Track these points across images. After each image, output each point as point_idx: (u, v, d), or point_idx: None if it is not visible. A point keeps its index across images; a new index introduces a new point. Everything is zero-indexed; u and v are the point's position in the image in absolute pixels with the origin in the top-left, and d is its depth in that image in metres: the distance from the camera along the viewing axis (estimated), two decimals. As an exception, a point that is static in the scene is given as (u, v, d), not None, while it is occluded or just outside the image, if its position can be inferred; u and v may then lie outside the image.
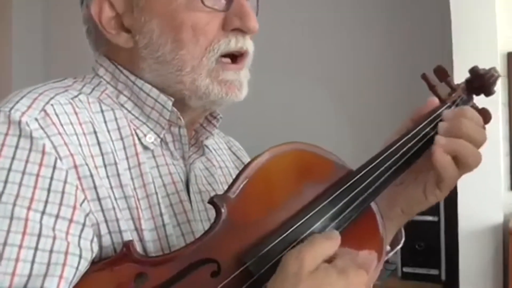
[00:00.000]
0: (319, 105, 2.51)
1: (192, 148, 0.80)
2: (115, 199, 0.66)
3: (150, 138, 0.73)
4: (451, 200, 1.85)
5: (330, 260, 0.62)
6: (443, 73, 0.77)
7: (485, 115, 0.78)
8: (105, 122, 0.71)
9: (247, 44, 0.75)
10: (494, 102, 1.82)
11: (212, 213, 0.70)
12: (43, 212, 0.60)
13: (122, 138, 0.71)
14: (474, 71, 0.80)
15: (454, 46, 1.85)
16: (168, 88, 0.74)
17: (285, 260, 0.60)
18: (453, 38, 1.86)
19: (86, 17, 0.77)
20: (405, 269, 2.03)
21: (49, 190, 0.61)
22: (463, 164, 0.75)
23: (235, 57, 0.74)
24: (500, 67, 1.87)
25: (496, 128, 1.83)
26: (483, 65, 0.82)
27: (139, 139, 0.72)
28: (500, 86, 1.85)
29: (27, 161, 0.61)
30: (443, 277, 2.01)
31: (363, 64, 2.45)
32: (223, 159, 0.89)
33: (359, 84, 2.46)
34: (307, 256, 0.60)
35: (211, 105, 0.76)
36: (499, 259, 1.85)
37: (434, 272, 2.02)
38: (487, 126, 0.80)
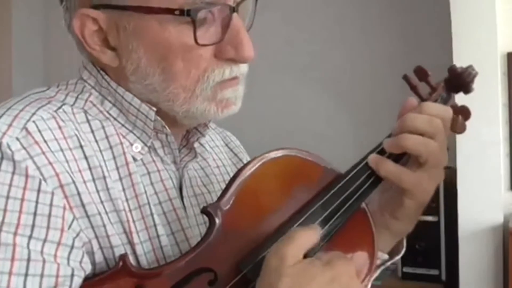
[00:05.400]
0: (322, 105, 2.51)
1: (184, 150, 0.78)
2: (106, 213, 0.65)
3: (137, 148, 0.71)
4: (451, 200, 1.85)
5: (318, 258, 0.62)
6: (423, 73, 0.78)
7: (464, 112, 0.79)
8: (92, 131, 0.69)
9: (241, 71, 0.71)
10: (494, 103, 1.82)
11: None
12: (30, 237, 0.59)
13: (111, 147, 0.69)
14: (452, 70, 0.82)
15: (454, 46, 1.85)
16: (158, 109, 0.71)
17: (267, 257, 0.60)
18: (453, 38, 1.86)
19: (67, 18, 0.73)
20: (405, 269, 2.03)
21: (35, 214, 0.59)
22: (418, 158, 0.72)
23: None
24: (500, 67, 1.87)
25: (496, 129, 1.83)
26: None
27: (126, 148, 0.70)
28: (500, 87, 1.85)
29: (10, 185, 0.59)
30: (443, 277, 2.01)
31: (363, 64, 2.45)
32: (219, 157, 0.87)
33: (360, 84, 2.46)
34: (286, 250, 0.60)
35: (205, 121, 0.75)
36: (499, 259, 1.85)
37: (434, 272, 2.02)
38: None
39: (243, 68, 0.72)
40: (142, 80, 0.69)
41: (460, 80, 0.81)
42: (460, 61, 1.81)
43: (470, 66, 0.81)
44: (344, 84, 2.48)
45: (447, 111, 0.75)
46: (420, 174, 0.72)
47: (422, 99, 0.78)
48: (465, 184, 1.77)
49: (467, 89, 0.82)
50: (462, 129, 0.78)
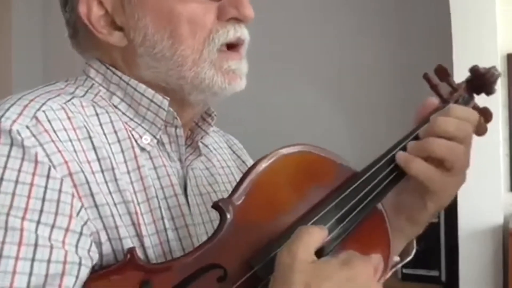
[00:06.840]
0: (322, 105, 2.51)
1: (189, 149, 0.79)
2: (114, 204, 0.65)
3: (146, 139, 0.71)
4: (451, 201, 1.84)
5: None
6: (444, 73, 0.77)
7: (486, 114, 0.77)
8: (101, 125, 0.69)
9: (244, 33, 0.73)
10: (494, 103, 1.82)
11: (214, 214, 0.69)
12: (38, 222, 0.58)
13: (119, 141, 0.69)
14: (474, 70, 0.80)
15: (454, 46, 1.85)
16: (166, 85, 0.72)
17: (279, 254, 0.60)
18: (453, 38, 1.86)
19: (72, 20, 0.75)
20: (405, 270, 2.03)
21: (43, 200, 0.59)
22: (444, 163, 0.71)
23: (232, 45, 0.73)
24: (500, 67, 1.87)
25: (496, 129, 1.83)
26: (483, 65, 0.82)
27: (135, 140, 0.71)
28: (500, 87, 1.85)
29: (19, 171, 0.59)
30: (443, 278, 2.01)
31: (363, 64, 2.45)
32: (224, 158, 0.87)
33: (361, 84, 2.46)
34: (297, 247, 0.59)
35: (212, 97, 0.74)
36: (499, 260, 1.85)
37: (434, 273, 2.01)
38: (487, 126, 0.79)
39: (245, 31, 0.74)
40: (151, 49, 0.71)
41: (483, 81, 0.79)
42: (460, 62, 1.82)
43: (493, 67, 0.79)
44: (343, 84, 2.48)
45: (475, 115, 0.74)
46: (446, 178, 0.72)
47: (443, 99, 0.77)
48: (465, 184, 1.77)
49: (489, 90, 0.80)
50: (484, 132, 0.77)
